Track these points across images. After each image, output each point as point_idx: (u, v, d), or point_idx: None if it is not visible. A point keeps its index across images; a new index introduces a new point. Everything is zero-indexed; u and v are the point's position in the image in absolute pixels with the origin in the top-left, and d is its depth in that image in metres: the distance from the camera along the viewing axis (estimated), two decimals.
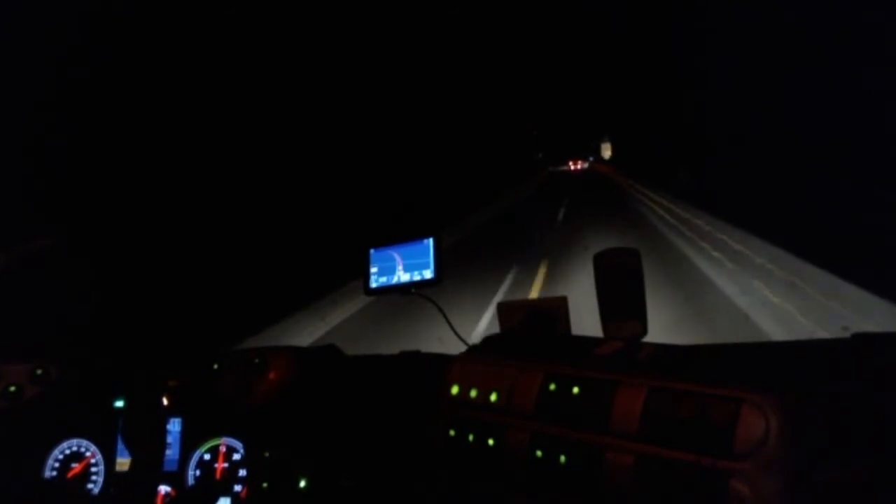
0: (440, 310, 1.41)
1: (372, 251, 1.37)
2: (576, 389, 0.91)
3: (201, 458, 1.34)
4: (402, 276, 1.33)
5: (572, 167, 70.39)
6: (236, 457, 1.32)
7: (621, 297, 1.09)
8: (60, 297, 4.26)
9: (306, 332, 6.27)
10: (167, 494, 1.33)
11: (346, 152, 13.58)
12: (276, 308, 6.77)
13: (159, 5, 7.97)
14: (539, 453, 0.90)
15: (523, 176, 47.44)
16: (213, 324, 4.91)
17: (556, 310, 1.27)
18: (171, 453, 1.35)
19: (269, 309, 6.59)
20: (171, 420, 1.37)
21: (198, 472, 1.34)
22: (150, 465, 1.29)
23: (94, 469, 1.37)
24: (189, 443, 1.35)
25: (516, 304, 1.34)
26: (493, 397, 0.99)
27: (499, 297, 6.78)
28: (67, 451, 1.39)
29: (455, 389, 1.05)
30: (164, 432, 1.35)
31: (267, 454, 1.22)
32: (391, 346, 1.53)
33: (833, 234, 7.43)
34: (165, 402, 1.33)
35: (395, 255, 1.34)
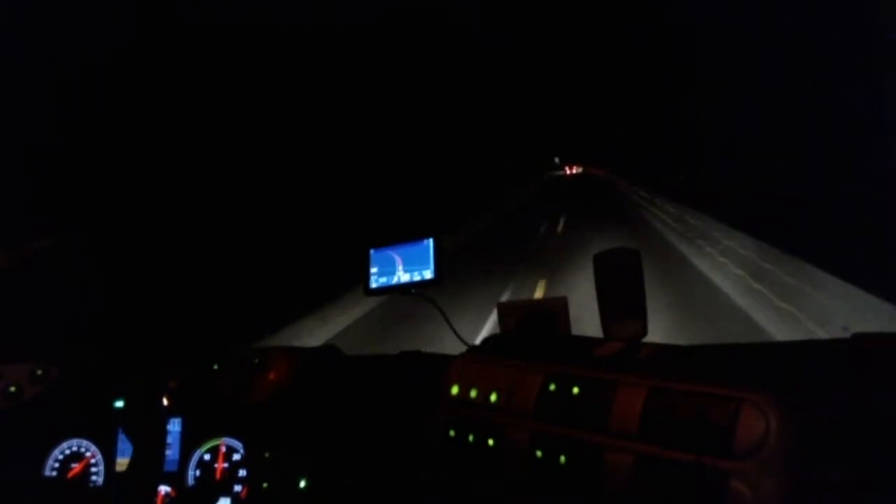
0: (440, 310, 1.41)
1: (372, 251, 1.37)
2: (576, 389, 0.91)
3: (201, 458, 1.34)
4: (402, 277, 1.33)
5: (567, 172, 75.88)
6: (236, 457, 1.32)
7: (621, 297, 1.09)
8: (60, 298, 4.26)
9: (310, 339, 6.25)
10: (167, 494, 1.33)
11: (377, 156, 13.70)
12: (280, 313, 6.71)
13: (162, 6, 7.98)
14: (539, 453, 0.90)
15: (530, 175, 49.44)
16: (215, 328, 4.91)
17: (556, 310, 1.27)
18: (171, 453, 1.35)
19: (273, 314, 6.54)
20: (171, 420, 1.37)
21: (198, 472, 1.34)
22: (150, 465, 1.29)
23: (94, 469, 1.37)
24: (189, 443, 1.35)
25: (516, 305, 1.34)
26: (494, 397, 0.99)
27: None
28: (67, 451, 1.39)
29: (455, 389, 1.05)
30: (164, 432, 1.35)
31: (267, 454, 1.22)
32: (394, 347, 1.53)
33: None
34: (165, 402, 1.33)
35: (395, 255, 1.34)
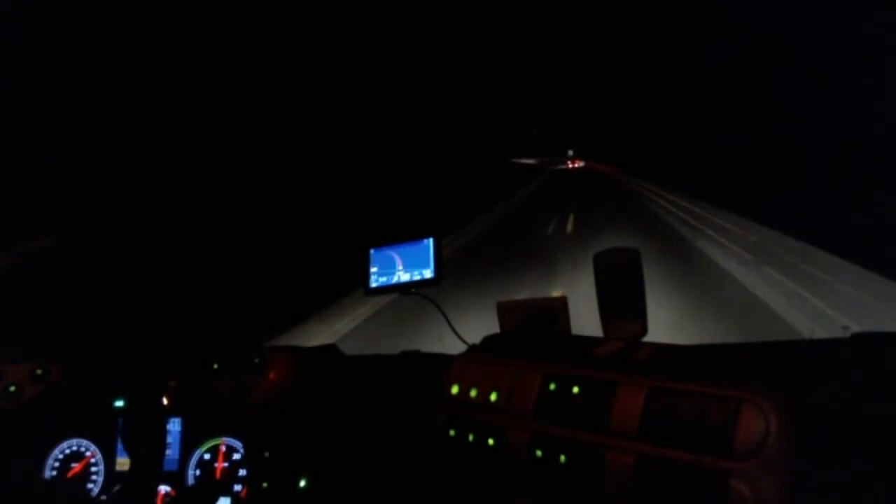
0: (440, 310, 1.41)
1: (372, 251, 1.37)
2: (576, 389, 0.91)
3: (201, 457, 1.34)
4: (402, 276, 1.33)
5: (570, 165, 77.07)
6: (236, 457, 1.32)
7: (621, 297, 1.09)
8: (60, 298, 4.26)
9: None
10: (167, 494, 1.33)
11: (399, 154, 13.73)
12: (280, 316, 6.64)
13: (161, 6, 7.97)
14: (539, 453, 0.90)
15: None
16: (216, 328, 4.89)
17: (556, 310, 1.27)
18: (171, 453, 1.35)
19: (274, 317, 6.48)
20: (171, 420, 1.37)
21: (198, 472, 1.34)
22: (150, 465, 1.29)
23: (94, 469, 1.37)
24: (189, 443, 1.36)
25: (516, 304, 1.34)
26: (493, 397, 0.99)
27: None
28: (67, 451, 1.39)
29: (455, 389, 1.05)
30: (164, 432, 1.35)
31: (267, 454, 1.22)
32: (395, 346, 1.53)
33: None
34: (165, 402, 1.33)
35: (395, 255, 1.34)
